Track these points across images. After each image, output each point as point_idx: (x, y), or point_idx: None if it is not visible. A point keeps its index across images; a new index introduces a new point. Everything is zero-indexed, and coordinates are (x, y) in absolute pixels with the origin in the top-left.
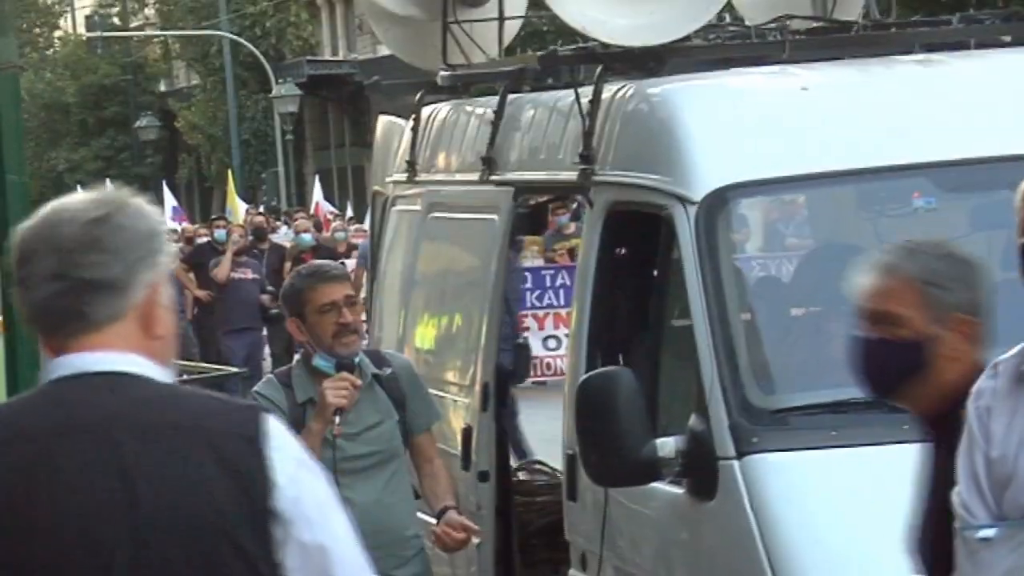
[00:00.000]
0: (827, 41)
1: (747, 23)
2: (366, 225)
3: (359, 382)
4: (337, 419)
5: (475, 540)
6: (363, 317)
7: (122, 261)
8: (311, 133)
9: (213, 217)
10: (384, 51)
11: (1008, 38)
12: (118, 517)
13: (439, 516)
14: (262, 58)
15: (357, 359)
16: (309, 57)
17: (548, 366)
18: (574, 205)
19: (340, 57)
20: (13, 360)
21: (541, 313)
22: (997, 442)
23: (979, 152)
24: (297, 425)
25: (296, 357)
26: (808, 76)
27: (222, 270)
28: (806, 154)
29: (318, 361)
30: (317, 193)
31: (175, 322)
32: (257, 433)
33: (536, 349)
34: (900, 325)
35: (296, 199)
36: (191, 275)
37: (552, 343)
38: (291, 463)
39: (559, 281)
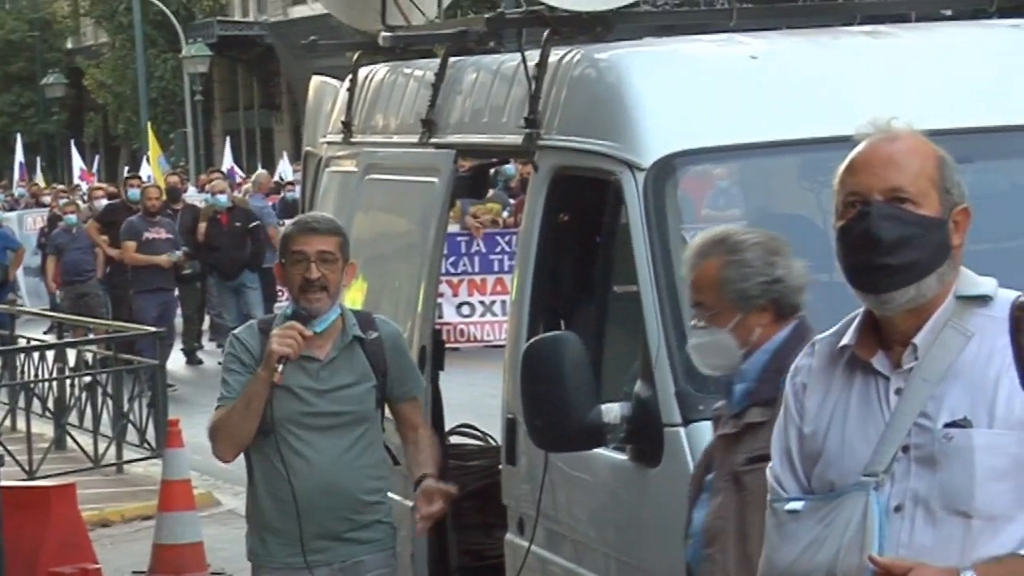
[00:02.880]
0: (773, 10)
1: None
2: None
3: (309, 333)
4: (280, 367)
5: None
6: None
7: None
8: (220, 94)
9: (127, 176)
10: (295, 13)
11: (949, 11)
12: None
13: (416, 484)
14: (172, 17)
15: (328, 317)
16: (219, 17)
17: (461, 332)
18: (492, 171)
19: (250, 19)
20: None
21: (455, 280)
22: (810, 418)
23: (926, 125)
24: None
25: (207, 318)
26: (757, 45)
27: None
28: (755, 123)
29: (287, 310)
30: (227, 158)
31: None
32: None
33: (450, 315)
34: None
35: (204, 160)
36: (104, 236)
37: (466, 309)
38: None
39: (474, 248)
